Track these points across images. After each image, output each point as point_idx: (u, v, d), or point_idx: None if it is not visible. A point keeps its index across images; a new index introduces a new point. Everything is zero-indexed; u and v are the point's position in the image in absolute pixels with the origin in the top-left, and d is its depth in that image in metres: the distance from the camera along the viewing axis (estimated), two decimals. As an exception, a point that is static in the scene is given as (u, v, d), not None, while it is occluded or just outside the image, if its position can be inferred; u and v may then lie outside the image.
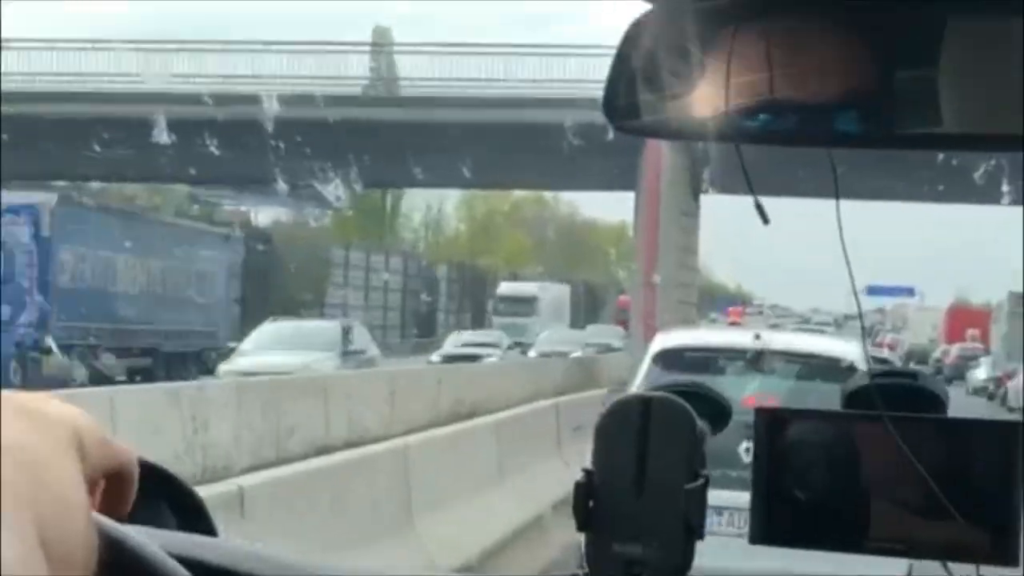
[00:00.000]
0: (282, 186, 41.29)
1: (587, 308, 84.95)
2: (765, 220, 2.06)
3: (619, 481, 2.11)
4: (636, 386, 8.92)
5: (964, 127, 1.81)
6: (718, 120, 1.81)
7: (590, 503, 2.12)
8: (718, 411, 2.27)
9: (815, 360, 9.45)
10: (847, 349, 9.61)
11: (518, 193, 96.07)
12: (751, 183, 2.02)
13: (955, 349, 68.28)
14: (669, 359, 9.62)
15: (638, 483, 2.11)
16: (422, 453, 11.67)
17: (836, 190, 2.08)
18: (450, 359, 39.17)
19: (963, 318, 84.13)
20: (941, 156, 24.93)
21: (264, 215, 73.55)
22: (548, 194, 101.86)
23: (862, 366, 5.49)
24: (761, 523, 2.34)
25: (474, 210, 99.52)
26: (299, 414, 11.51)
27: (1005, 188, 29.44)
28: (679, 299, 41.97)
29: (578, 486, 2.13)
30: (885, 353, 24.70)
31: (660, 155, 39.45)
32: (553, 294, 74.81)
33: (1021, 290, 58.77)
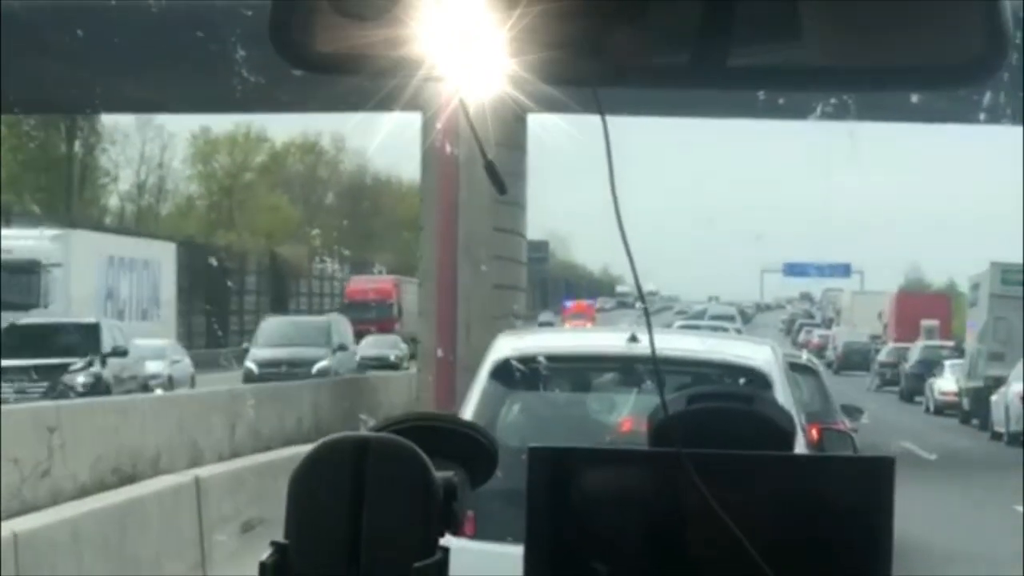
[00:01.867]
0: None
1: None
2: (501, 190, 2.31)
3: (323, 558, 2.01)
4: (470, 410, 8.79)
5: (801, 61, 2.13)
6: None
7: None
8: (478, 454, 2.23)
9: (713, 369, 9.00)
10: (757, 354, 9.30)
11: (281, 139, 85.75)
12: (480, 142, 2.25)
13: (915, 350, 64.17)
14: (512, 373, 9.02)
15: (350, 559, 2.01)
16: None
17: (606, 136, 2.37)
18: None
19: (916, 306, 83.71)
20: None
21: None
22: (325, 140, 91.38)
23: (779, 377, 7.76)
24: None
25: (212, 164, 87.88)
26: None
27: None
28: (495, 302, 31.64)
29: (264, 567, 2.03)
30: (804, 358, 21.39)
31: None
32: None
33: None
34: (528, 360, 9.09)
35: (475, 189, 31.68)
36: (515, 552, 2.66)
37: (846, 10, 2.05)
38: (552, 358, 9.20)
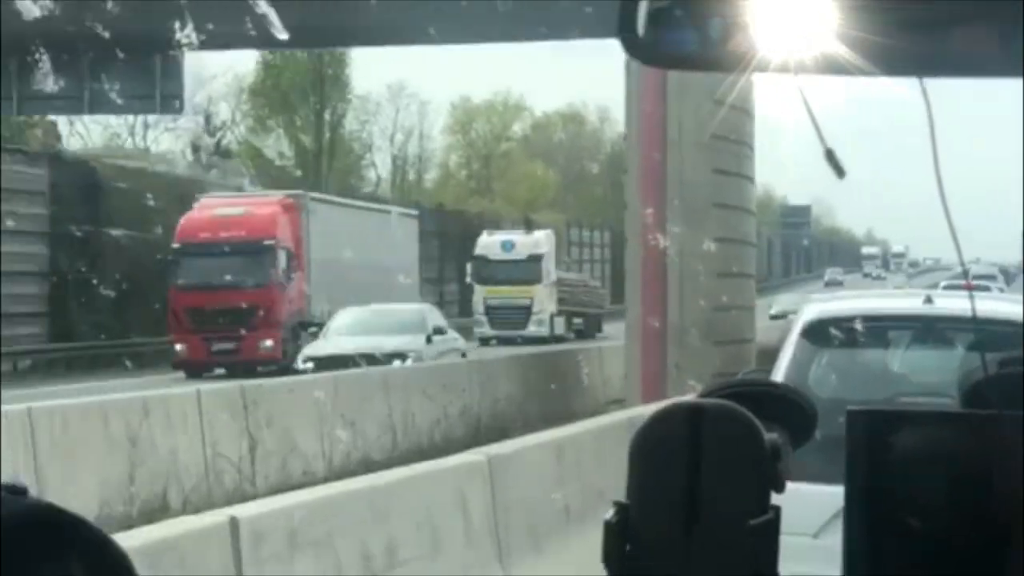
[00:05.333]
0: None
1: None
2: (840, 173, 2.16)
3: (663, 517, 2.04)
4: (783, 366, 9.17)
5: None
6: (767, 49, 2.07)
7: (626, 547, 2.05)
8: (800, 417, 2.23)
9: (998, 327, 8.19)
10: None
11: (542, 109, 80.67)
12: (819, 129, 2.16)
13: None
14: (822, 332, 9.43)
15: (688, 519, 2.03)
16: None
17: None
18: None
19: None
20: None
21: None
22: (591, 107, 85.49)
23: None
24: (859, 558, 2.29)
25: (471, 134, 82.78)
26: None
27: None
28: (716, 271, 24.43)
29: (609, 526, 2.07)
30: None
31: None
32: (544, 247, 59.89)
33: None
34: (835, 321, 9.49)
35: (685, 126, 24.55)
36: (822, 491, 3.25)
37: None
38: (856, 319, 9.46)
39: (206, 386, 21.43)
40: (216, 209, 42.88)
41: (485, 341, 54.29)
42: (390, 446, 21.77)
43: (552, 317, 56.45)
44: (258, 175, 63.11)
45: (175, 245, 41.69)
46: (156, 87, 37.16)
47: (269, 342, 40.09)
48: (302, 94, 70.56)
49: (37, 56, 34.52)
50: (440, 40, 36.42)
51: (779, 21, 2.04)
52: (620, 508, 2.06)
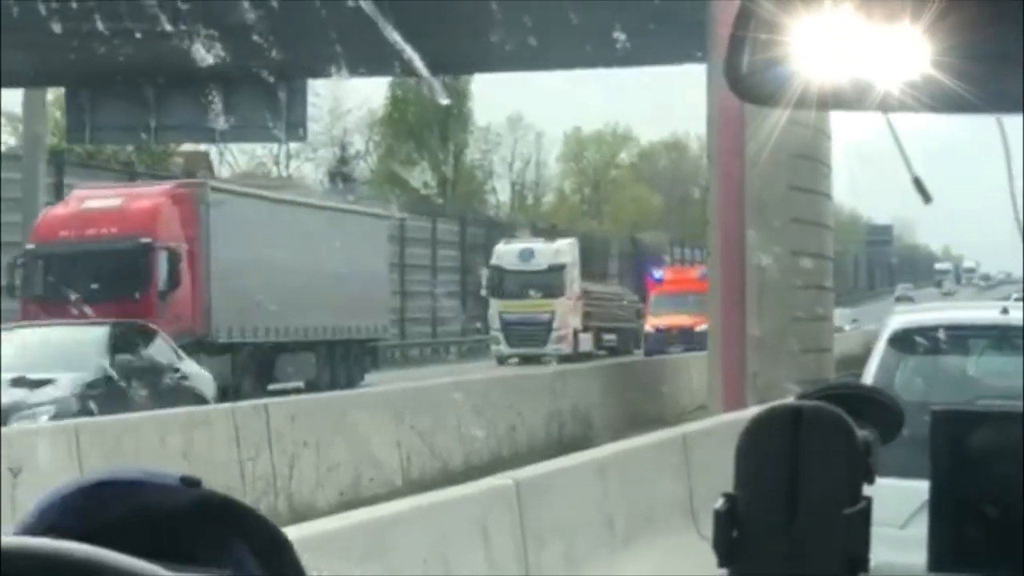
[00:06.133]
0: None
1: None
2: (927, 199, 2.11)
3: (767, 507, 2.07)
4: (871, 371, 9.05)
5: None
6: (858, 88, 2.03)
7: (734, 533, 2.08)
8: (889, 417, 2.22)
9: None
10: None
11: (647, 138, 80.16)
12: (907, 158, 2.16)
13: None
14: (907, 340, 9.36)
15: (789, 509, 2.05)
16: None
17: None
18: None
19: None
20: None
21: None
22: (692, 135, 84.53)
23: None
24: (943, 545, 2.30)
25: (584, 160, 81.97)
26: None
27: None
28: (794, 283, 22.74)
29: (719, 514, 2.12)
30: None
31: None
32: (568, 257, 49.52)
33: None
34: (919, 331, 9.38)
35: (764, 143, 22.89)
36: (908, 485, 3.23)
37: None
38: (939, 328, 9.37)
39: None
40: (86, 202, 30.65)
41: (503, 360, 45.92)
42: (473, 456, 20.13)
43: (576, 333, 47.12)
44: (408, 202, 62.01)
45: (29, 246, 30.03)
46: (282, 116, 36.40)
47: None
48: (427, 126, 69.72)
49: (171, 87, 33.72)
50: (554, 66, 35.21)
51: (874, 60, 2.00)
52: (729, 498, 2.09)
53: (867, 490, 2.12)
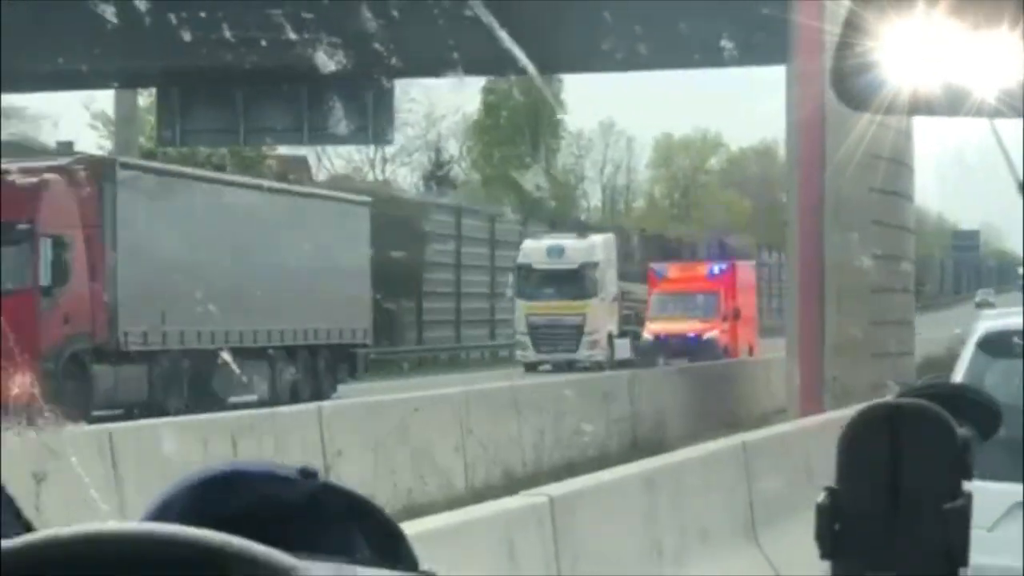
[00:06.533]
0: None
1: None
2: None
3: (869, 500, 2.05)
4: (959, 374, 8.85)
5: None
6: (952, 94, 1.99)
7: (835, 526, 2.08)
8: (987, 415, 2.22)
9: None
10: None
11: (737, 144, 79.77)
12: (1012, 163, 2.24)
13: None
14: (995, 344, 9.19)
15: (890, 503, 2.04)
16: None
17: None
18: None
19: None
20: None
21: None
22: (781, 142, 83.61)
23: None
24: None
25: (674, 165, 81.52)
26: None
27: None
28: (874, 286, 22.18)
29: (821, 508, 2.10)
30: None
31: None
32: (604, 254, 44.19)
33: None
34: (1008, 334, 9.15)
35: (843, 147, 22.27)
36: (996, 488, 3.06)
37: None
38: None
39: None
40: None
41: (531, 367, 41.16)
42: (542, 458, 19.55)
43: (611, 338, 42.26)
44: (519, 205, 61.42)
45: None
46: (369, 120, 35.95)
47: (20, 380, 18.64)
48: (519, 131, 69.41)
49: (260, 90, 33.43)
50: (645, 66, 34.53)
51: (969, 66, 1.96)
52: (831, 492, 2.06)
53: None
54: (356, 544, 1.24)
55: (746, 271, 48.76)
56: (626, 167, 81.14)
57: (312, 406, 16.17)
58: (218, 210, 29.14)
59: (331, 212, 34.16)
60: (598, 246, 43.35)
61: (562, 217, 64.83)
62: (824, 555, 2.07)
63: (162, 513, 1.20)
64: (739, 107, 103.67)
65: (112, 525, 1.02)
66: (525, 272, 42.64)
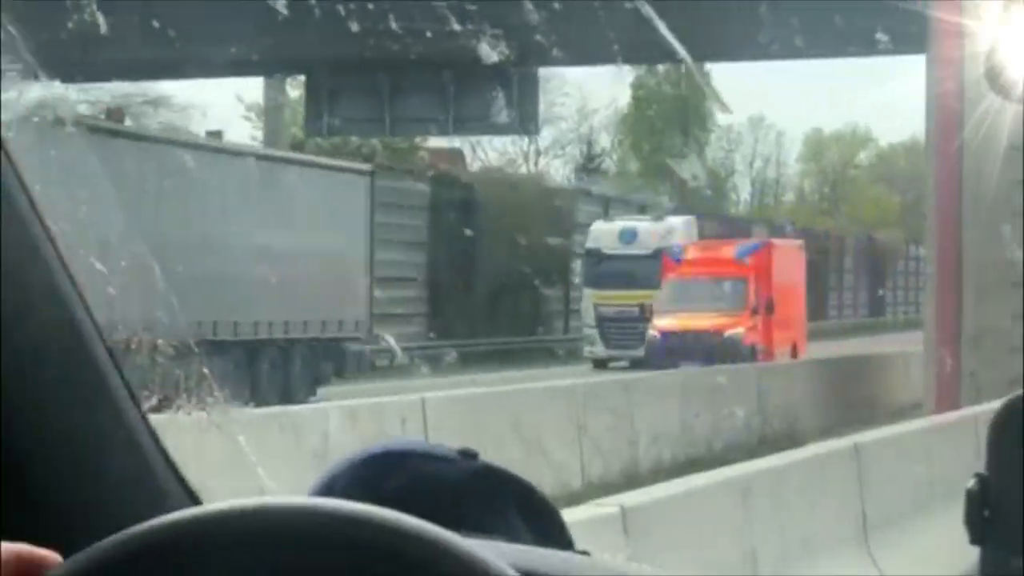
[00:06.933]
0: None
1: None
2: None
3: (1018, 487, 2.01)
4: None
5: None
6: None
7: (985, 512, 2.06)
8: None
9: None
10: None
11: (886, 140, 78.91)
12: None
13: None
14: None
15: None
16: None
17: None
18: None
19: None
20: None
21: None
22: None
23: None
24: None
25: (823, 159, 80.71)
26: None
27: None
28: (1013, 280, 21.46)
29: (971, 494, 2.10)
30: None
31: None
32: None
33: None
34: None
35: (982, 138, 21.52)
36: None
37: None
38: None
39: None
40: None
41: (601, 363, 36.26)
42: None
43: None
44: (674, 195, 61.07)
45: None
46: (515, 109, 35.41)
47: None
48: (670, 124, 68.93)
49: (406, 79, 33.20)
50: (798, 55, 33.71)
51: None
52: (980, 479, 2.04)
53: None
54: (515, 525, 1.24)
55: (789, 253, 37.46)
56: (775, 161, 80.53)
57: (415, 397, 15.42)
58: (162, 179, 24.03)
59: (322, 183, 28.94)
60: (677, 229, 38.35)
61: (713, 210, 64.49)
62: (974, 540, 2.07)
63: (327, 490, 1.22)
64: (887, 102, 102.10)
65: (289, 497, 0.99)
66: (595, 258, 38.09)
